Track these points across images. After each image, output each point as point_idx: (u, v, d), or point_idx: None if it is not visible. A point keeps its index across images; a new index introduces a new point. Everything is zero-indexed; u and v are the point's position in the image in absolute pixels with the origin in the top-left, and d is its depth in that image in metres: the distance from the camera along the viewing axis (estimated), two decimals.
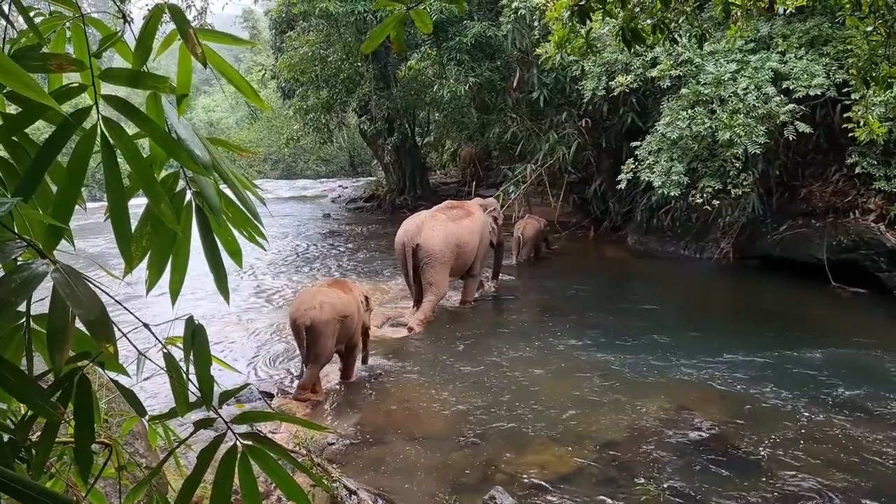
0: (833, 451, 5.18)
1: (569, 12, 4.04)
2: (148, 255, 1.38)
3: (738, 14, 5.34)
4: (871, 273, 9.54)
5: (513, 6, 12.28)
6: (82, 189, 1.26)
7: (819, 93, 9.19)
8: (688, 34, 5.29)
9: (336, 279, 7.18)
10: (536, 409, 6.02)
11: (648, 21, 4.42)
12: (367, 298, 6.87)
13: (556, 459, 5.12)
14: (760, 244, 11.29)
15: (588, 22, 4.15)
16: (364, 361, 6.99)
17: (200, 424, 1.41)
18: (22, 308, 1.19)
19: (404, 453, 5.30)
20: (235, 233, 1.45)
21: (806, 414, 5.78)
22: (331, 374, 6.85)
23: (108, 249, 13.04)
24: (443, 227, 8.91)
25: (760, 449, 5.22)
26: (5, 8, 1.34)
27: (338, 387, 6.67)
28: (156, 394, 5.51)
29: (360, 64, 17.28)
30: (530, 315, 9.34)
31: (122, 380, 1.45)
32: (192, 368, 1.33)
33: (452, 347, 7.75)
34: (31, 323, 1.25)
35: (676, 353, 7.28)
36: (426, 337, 8.20)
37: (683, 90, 9.91)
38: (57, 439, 1.39)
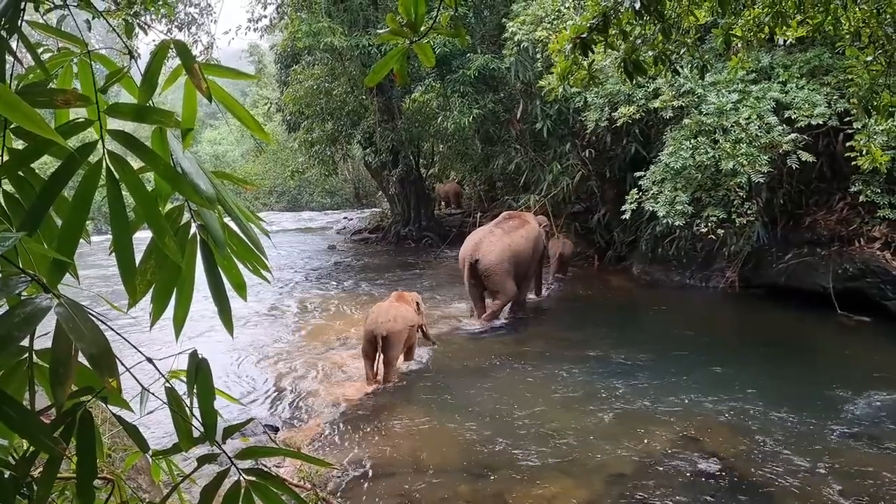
0: (845, 482, 5.10)
1: (571, 45, 4.07)
2: (152, 289, 1.37)
3: (739, 45, 5.39)
4: (878, 301, 9.49)
5: (515, 39, 12.39)
6: (87, 222, 1.26)
7: (821, 122, 9.24)
8: (689, 65, 5.32)
9: (399, 293, 8.10)
10: (543, 439, 5.96)
11: (650, 53, 4.46)
12: (418, 304, 8.09)
13: (564, 492, 5.06)
14: (766, 273, 11.25)
15: (590, 54, 4.18)
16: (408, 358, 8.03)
17: (204, 460, 1.39)
18: (25, 342, 1.19)
19: (411, 486, 5.23)
20: (240, 265, 1.45)
21: (816, 445, 5.71)
22: (335, 403, 6.82)
23: (110, 280, 13.05)
24: (498, 242, 9.88)
25: (771, 480, 5.15)
26: (13, 44, 1.35)
27: (342, 418, 6.62)
28: (159, 428, 5.46)
29: (364, 97, 17.40)
30: (535, 344, 9.29)
31: (126, 414, 1.44)
32: (196, 402, 1.32)
33: (457, 377, 7.70)
34: (35, 357, 1.24)
35: (683, 383, 7.22)
36: (430, 367, 8.15)
37: (686, 120, 9.97)
38: (59, 475, 1.37)
